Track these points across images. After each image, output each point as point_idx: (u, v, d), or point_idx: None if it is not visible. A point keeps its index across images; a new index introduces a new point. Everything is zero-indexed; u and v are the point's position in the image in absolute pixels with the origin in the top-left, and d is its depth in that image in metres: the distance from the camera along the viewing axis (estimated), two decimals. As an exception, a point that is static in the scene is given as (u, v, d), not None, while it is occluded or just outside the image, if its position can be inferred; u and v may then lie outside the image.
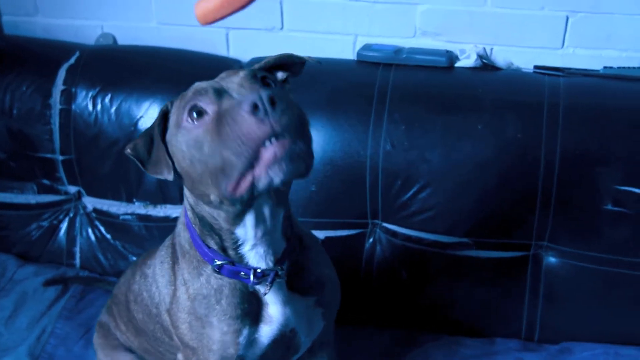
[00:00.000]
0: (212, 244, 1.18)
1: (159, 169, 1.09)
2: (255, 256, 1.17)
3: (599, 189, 1.64)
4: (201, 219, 1.16)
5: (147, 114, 1.88)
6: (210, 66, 1.99)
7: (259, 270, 1.16)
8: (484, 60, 1.84)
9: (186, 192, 1.17)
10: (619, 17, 1.78)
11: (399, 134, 1.73)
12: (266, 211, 1.12)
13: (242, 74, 1.10)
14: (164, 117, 1.11)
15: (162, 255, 1.35)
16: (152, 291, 1.37)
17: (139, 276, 1.45)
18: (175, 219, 1.89)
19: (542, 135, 1.66)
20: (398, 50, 1.87)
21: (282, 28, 2.00)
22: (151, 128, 1.11)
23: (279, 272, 1.18)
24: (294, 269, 1.23)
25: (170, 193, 1.91)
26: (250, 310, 1.21)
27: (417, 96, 1.77)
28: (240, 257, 1.17)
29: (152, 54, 2.02)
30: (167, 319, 1.31)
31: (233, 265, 1.17)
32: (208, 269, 1.20)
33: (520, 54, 1.88)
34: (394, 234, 1.77)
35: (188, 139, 1.03)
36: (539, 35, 1.85)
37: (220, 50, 2.07)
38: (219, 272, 1.18)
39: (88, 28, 2.14)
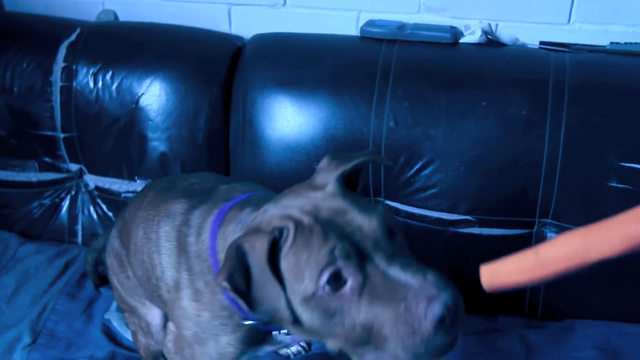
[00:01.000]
0: None
1: (268, 310, 0.98)
2: None
3: (604, 165, 1.62)
4: None
5: (149, 90, 1.87)
6: (212, 42, 1.98)
7: None
8: (489, 36, 1.82)
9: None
10: (625, -8, 1.75)
11: (403, 111, 1.71)
12: None
13: (374, 224, 0.97)
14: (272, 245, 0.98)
15: (167, 233, 1.27)
16: (154, 261, 1.30)
17: (142, 231, 1.35)
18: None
19: (547, 111, 1.64)
20: (402, 26, 1.84)
21: (284, 4, 1.98)
22: (242, 256, 0.97)
23: None
24: None
25: (172, 170, 1.89)
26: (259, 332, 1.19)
27: (420, 73, 1.75)
28: None
29: (153, 30, 2.01)
30: (168, 297, 1.27)
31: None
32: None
33: (526, 29, 1.85)
34: (396, 211, 1.76)
35: (323, 307, 0.94)
36: (545, 10, 1.82)
37: (222, 27, 2.05)
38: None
39: (89, 4, 2.12)
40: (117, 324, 1.69)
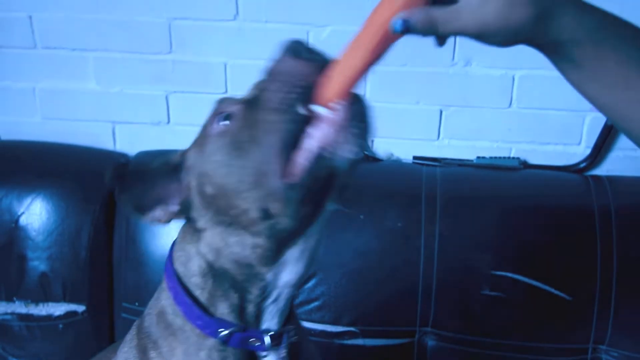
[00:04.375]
0: (224, 307, 1.01)
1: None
2: (272, 311, 1.02)
3: (477, 274, 1.70)
4: (219, 276, 0.99)
5: (29, 209, 1.84)
6: (95, 159, 1.98)
7: (272, 333, 1.02)
8: (365, 152, 1.91)
9: (201, 248, 1.00)
10: (487, 111, 1.89)
11: (284, 225, 1.75)
12: (314, 235, 0.93)
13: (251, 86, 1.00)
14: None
15: (125, 353, 1.15)
16: None
17: None
18: (58, 317, 1.84)
19: (422, 223, 1.72)
20: (283, 143, 1.91)
21: (168, 122, 2.02)
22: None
23: (291, 334, 1.04)
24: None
25: (53, 290, 1.85)
26: None
27: (301, 188, 1.81)
28: (258, 315, 1.02)
29: (35, 148, 2.00)
30: None
31: (244, 331, 1.02)
32: (209, 342, 1.02)
33: (400, 145, 1.95)
34: (281, 325, 1.76)
35: (222, 143, 0.90)
36: (417, 127, 1.94)
37: (107, 144, 2.07)
38: (225, 344, 1.02)
39: (-31, 123, 2.10)
40: None
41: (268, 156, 0.84)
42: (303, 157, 0.82)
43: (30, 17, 1.95)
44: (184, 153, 1.02)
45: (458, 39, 1.78)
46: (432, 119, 1.92)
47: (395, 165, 1.92)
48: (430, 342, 1.75)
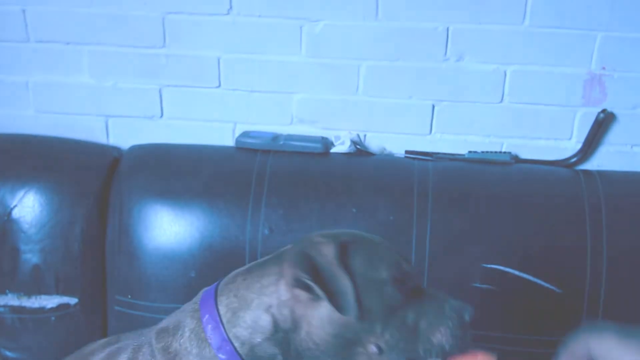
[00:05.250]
0: None
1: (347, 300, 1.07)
2: None
3: (468, 267, 1.71)
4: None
5: (22, 202, 1.84)
6: (88, 153, 1.99)
7: None
8: (358, 146, 1.92)
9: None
10: (479, 106, 1.90)
11: (277, 219, 1.76)
12: None
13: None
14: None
15: None
16: None
17: None
18: (50, 310, 1.85)
19: (413, 217, 1.73)
20: (275, 137, 1.92)
21: (161, 116, 2.03)
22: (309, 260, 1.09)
23: None
24: None
25: (46, 283, 1.85)
26: None
27: (294, 181, 1.82)
28: None
29: (27, 142, 2.00)
30: None
31: None
32: None
33: (392, 139, 1.96)
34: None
35: (389, 294, 1.10)
36: (409, 121, 1.95)
37: (100, 138, 2.07)
38: None
39: (-38, 117, 2.10)
40: None
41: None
42: None
43: (24, 11, 1.96)
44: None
45: (450, 33, 1.81)
46: (424, 113, 1.93)
47: (388, 160, 1.93)
48: (422, 335, 1.76)
